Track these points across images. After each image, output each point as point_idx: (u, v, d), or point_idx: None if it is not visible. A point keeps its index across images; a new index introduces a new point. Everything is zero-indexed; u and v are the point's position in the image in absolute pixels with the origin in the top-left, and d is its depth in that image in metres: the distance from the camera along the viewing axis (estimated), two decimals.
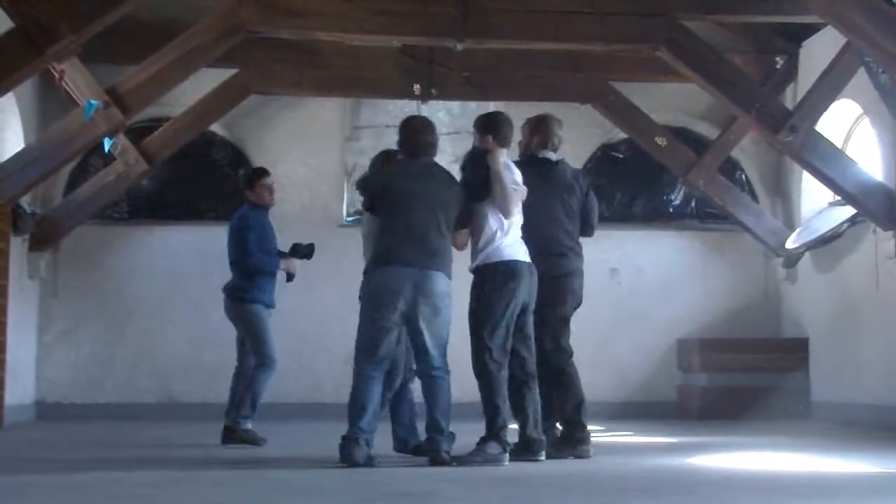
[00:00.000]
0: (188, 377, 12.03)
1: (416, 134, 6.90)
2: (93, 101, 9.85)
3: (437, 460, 6.50)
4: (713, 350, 11.93)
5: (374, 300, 6.66)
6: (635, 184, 13.09)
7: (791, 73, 12.11)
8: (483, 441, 6.63)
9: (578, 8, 9.94)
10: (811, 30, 11.56)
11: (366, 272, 6.84)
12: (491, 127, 7.04)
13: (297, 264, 8.73)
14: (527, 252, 6.87)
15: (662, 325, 12.53)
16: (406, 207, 6.72)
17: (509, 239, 6.82)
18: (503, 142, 6.99)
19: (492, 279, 6.76)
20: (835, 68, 10.45)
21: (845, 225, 11.12)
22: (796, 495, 5.15)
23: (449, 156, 11.66)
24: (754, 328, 12.53)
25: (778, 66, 12.16)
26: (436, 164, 6.98)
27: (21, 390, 11.30)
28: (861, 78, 10.35)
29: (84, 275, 12.07)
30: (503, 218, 6.79)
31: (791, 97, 12.02)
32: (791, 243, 12.08)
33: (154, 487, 5.44)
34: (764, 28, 11.87)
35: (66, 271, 12.07)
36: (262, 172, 8.86)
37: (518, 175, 6.93)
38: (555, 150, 7.44)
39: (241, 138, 12.60)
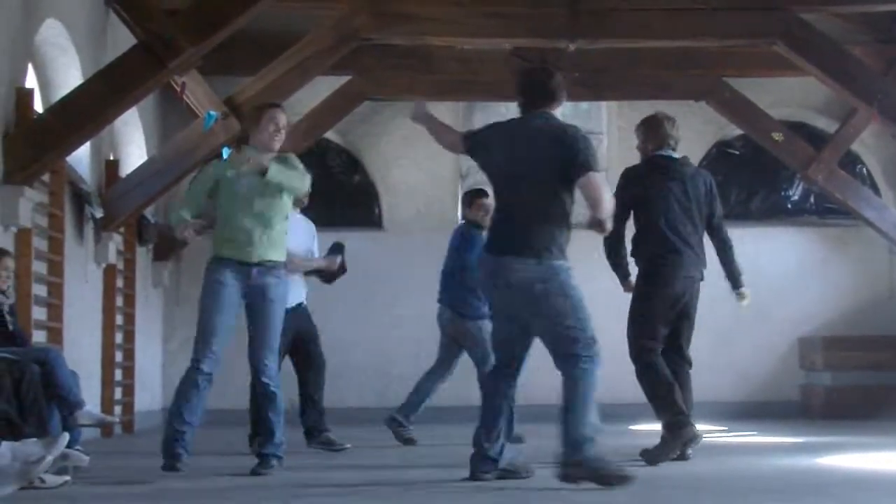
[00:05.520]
0: None
1: None
2: (212, 113, 10.04)
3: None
4: (837, 348, 11.73)
5: None
6: (752, 180, 12.92)
7: None
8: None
9: (690, 4, 9.86)
10: None
11: None
12: None
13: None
14: None
15: (783, 323, 12.34)
16: None
17: None
18: None
19: None
20: None
21: None
22: None
23: None
24: (879, 325, 12.25)
25: None
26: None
27: (148, 397, 11.59)
28: None
29: None
30: None
31: None
32: None
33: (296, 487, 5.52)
34: (883, 17, 11.56)
35: (188, 280, 12.30)
36: (483, 193, 8.50)
37: None
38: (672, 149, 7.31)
39: (356, 145, 12.73)
